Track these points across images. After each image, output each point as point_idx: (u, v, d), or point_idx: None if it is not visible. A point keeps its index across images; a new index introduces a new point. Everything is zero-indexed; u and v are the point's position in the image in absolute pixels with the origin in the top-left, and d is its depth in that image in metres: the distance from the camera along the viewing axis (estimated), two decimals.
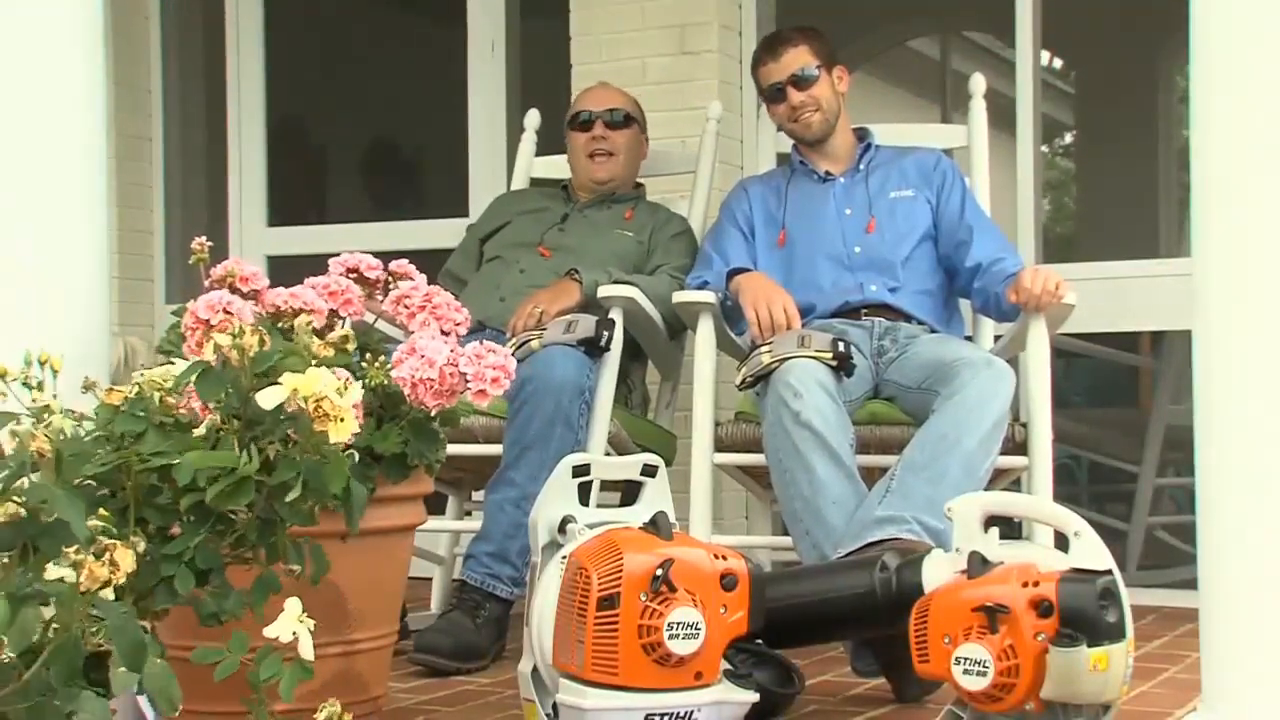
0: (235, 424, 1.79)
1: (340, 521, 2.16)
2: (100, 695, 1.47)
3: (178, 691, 1.52)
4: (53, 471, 1.53)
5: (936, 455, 2.69)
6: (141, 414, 1.80)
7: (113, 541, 1.48)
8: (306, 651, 1.70)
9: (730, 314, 3.16)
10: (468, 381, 2.19)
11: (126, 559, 1.47)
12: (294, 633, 1.69)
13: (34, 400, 1.71)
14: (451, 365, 2.18)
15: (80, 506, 1.50)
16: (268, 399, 1.74)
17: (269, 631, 1.70)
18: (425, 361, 2.17)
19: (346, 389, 1.75)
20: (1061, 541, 1.96)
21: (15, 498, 1.48)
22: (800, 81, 3.32)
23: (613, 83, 3.74)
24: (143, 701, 2.16)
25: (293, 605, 1.71)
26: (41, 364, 1.78)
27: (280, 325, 2.29)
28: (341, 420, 1.73)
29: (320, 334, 2.29)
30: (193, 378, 1.84)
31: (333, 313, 2.33)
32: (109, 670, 1.49)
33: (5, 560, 1.49)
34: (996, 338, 3.35)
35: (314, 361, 1.93)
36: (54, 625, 1.47)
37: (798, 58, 3.32)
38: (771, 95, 3.37)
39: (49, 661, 1.45)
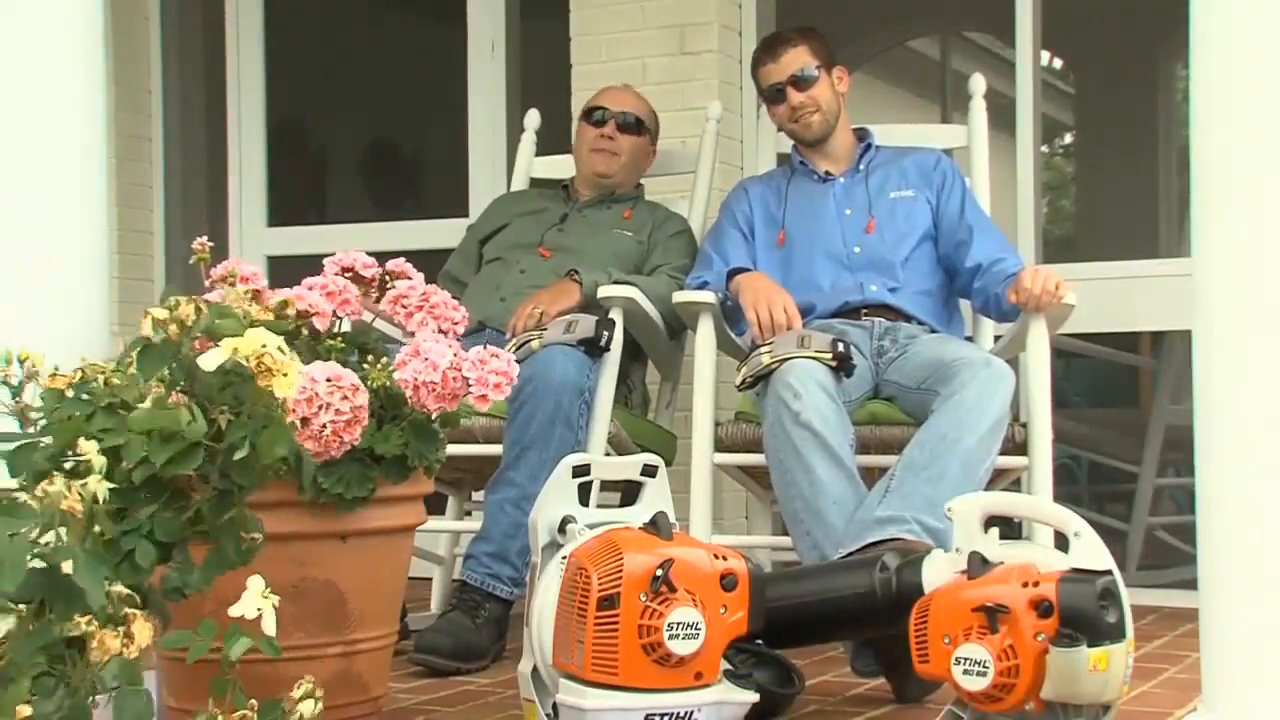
0: (184, 398, 1.79)
1: (340, 521, 2.17)
2: None
3: None
4: (80, 533, 1.52)
5: (936, 455, 2.69)
6: (88, 397, 1.79)
7: (134, 612, 1.47)
8: (269, 628, 1.69)
9: (730, 314, 3.16)
10: (470, 386, 2.19)
11: (144, 633, 1.46)
12: (259, 609, 1.69)
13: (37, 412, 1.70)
14: (455, 369, 2.18)
15: (100, 573, 1.47)
16: (209, 361, 1.73)
17: (234, 610, 1.69)
18: (429, 365, 2.17)
19: (287, 349, 1.74)
20: (1061, 541, 1.95)
21: (39, 555, 1.47)
22: (800, 82, 3.32)
23: (613, 83, 3.74)
24: None
25: (255, 582, 1.71)
26: (21, 362, 1.78)
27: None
28: (285, 374, 1.72)
29: (316, 334, 2.29)
30: (133, 353, 1.83)
31: (332, 312, 2.33)
32: None
33: (21, 614, 1.48)
34: (996, 338, 3.35)
35: (251, 324, 1.91)
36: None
37: (797, 58, 3.33)
38: (771, 96, 3.38)
39: None
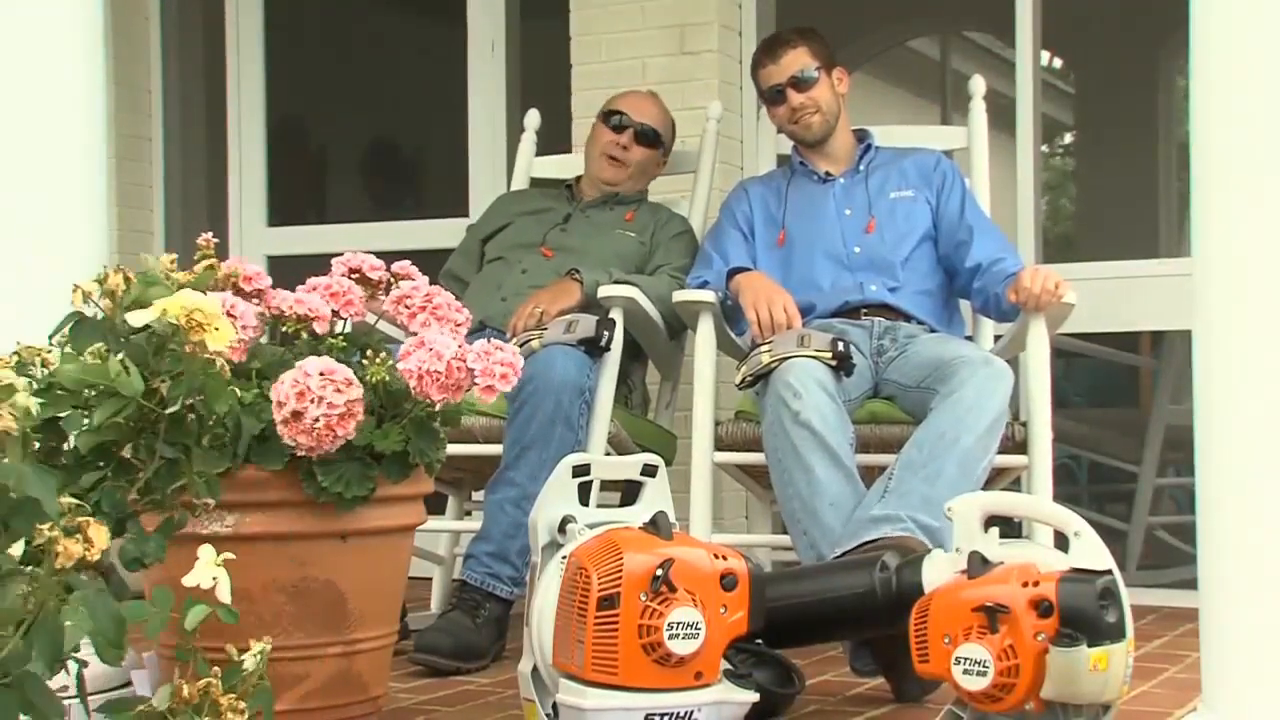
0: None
1: (340, 521, 2.17)
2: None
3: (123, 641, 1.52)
4: (19, 449, 1.52)
5: (934, 454, 2.69)
6: (26, 379, 1.79)
7: (86, 518, 1.48)
8: (224, 596, 1.69)
9: (730, 313, 3.16)
10: (475, 377, 2.19)
11: (101, 535, 1.47)
12: (214, 578, 1.69)
13: None
14: (459, 359, 2.18)
15: (51, 483, 1.48)
16: (137, 318, 1.73)
17: (188, 580, 1.68)
18: (433, 354, 2.17)
19: (213, 305, 1.74)
20: (1061, 541, 1.96)
21: None
22: (800, 83, 3.33)
23: (613, 83, 3.74)
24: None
25: (206, 551, 1.71)
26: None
27: (283, 329, 2.29)
28: (217, 328, 1.72)
29: (318, 336, 2.29)
30: (67, 328, 1.83)
31: (334, 313, 2.33)
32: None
33: None
34: (997, 338, 3.35)
35: (178, 288, 1.91)
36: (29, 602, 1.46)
37: (797, 59, 3.33)
38: (771, 97, 3.38)
39: (31, 641, 1.44)
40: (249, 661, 1.69)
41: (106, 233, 2.55)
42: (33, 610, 1.45)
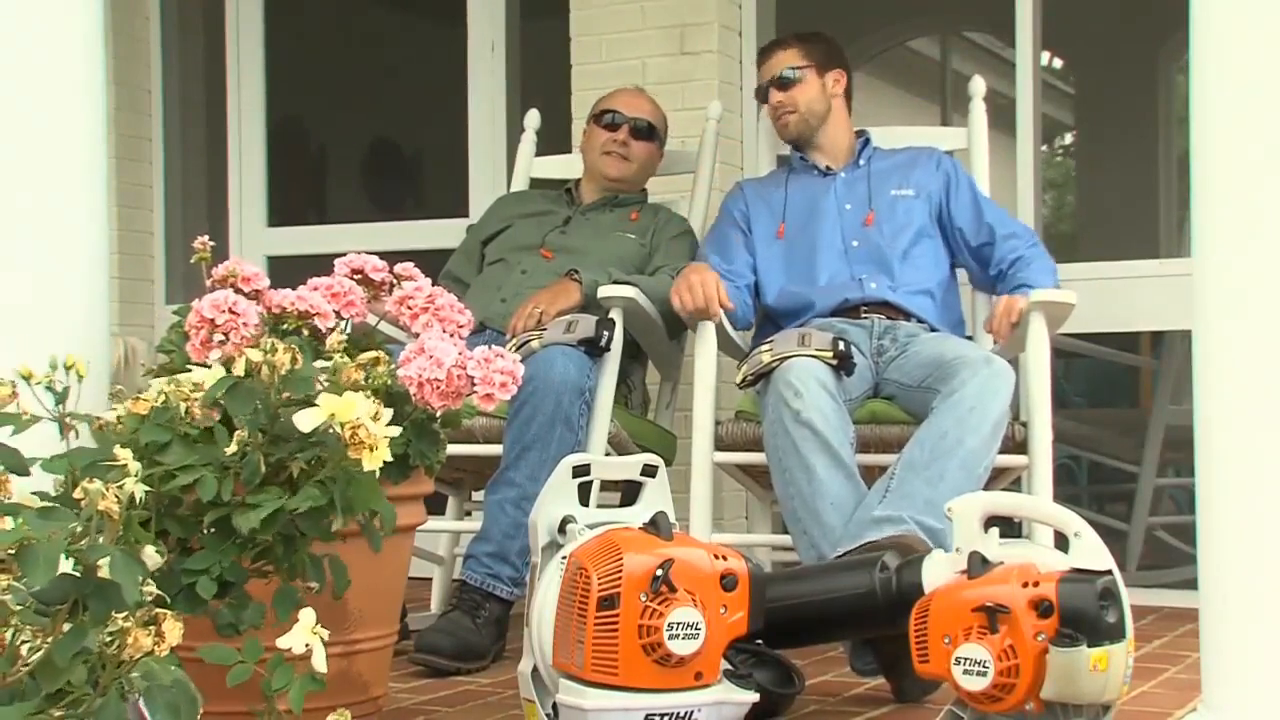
0: (261, 438, 1.79)
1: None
2: None
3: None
4: (115, 534, 1.52)
5: (936, 455, 2.69)
6: (166, 424, 1.79)
7: (164, 612, 1.48)
8: (320, 664, 1.70)
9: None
10: (474, 385, 2.19)
11: (174, 632, 1.47)
12: (307, 644, 1.69)
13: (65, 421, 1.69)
14: (459, 367, 2.18)
15: (135, 572, 1.48)
16: (305, 421, 1.73)
17: (282, 642, 1.69)
18: (433, 362, 2.16)
19: (379, 416, 1.75)
20: (1061, 541, 1.96)
21: (75, 554, 1.47)
22: (782, 83, 3.37)
23: (613, 83, 3.74)
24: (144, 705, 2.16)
25: (307, 616, 1.71)
26: (68, 369, 1.77)
27: (284, 327, 2.28)
28: (374, 449, 1.73)
29: (319, 335, 2.29)
30: (222, 392, 1.83)
31: (335, 314, 2.32)
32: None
33: (56, 612, 1.48)
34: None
35: (348, 387, 1.92)
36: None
37: (784, 60, 3.40)
38: (760, 95, 3.45)
39: None
40: None
41: (106, 233, 2.55)
42: (97, 695, 1.45)
